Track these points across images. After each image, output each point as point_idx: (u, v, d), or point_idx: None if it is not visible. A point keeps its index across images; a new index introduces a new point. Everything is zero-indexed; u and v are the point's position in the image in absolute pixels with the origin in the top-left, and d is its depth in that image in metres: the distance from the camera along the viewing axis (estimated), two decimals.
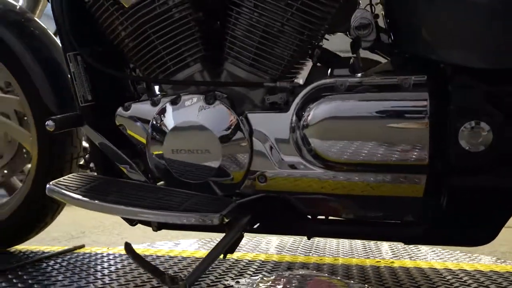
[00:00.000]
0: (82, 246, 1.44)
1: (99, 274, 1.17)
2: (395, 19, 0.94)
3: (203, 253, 1.40)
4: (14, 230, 1.32)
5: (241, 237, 0.99)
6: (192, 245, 1.52)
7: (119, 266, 1.25)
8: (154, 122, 0.97)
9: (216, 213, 0.83)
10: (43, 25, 1.30)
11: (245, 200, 0.94)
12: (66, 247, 1.41)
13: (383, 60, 1.06)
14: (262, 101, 1.00)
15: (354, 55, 0.97)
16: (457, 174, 0.84)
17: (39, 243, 1.51)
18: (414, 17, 0.89)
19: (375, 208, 0.91)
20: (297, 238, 1.59)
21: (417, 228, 0.90)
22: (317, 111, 0.88)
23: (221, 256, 0.94)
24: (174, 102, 0.96)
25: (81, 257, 1.34)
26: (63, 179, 0.92)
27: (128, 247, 0.87)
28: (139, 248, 1.44)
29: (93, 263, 1.28)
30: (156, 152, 0.97)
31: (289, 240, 1.58)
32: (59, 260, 1.30)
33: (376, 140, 0.86)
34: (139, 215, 0.85)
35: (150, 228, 1.03)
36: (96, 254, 1.37)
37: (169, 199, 0.86)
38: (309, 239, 1.01)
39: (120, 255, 1.35)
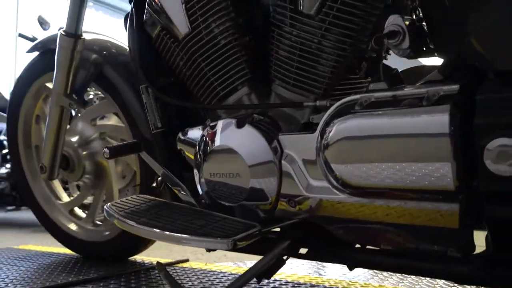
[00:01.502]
0: (186, 260, 1.55)
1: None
2: (434, 21, 0.81)
3: None
4: (125, 245, 1.50)
5: (282, 262, 0.96)
6: None
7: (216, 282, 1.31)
8: (198, 147, 1.02)
9: (228, 238, 0.82)
10: None
11: (278, 225, 0.91)
12: (170, 260, 1.55)
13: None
14: (304, 121, 0.96)
15: (395, 68, 0.87)
16: (491, 202, 0.67)
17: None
18: (455, 18, 0.76)
19: (413, 239, 0.79)
20: None
21: (463, 265, 0.75)
22: (334, 131, 0.81)
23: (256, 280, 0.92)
24: (212, 127, 1.00)
25: (183, 271, 1.45)
26: (121, 201, 1.03)
27: (160, 266, 0.92)
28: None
29: (195, 277, 1.37)
30: (199, 175, 1.01)
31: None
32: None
33: (395, 162, 0.74)
34: (156, 237, 0.90)
35: None
36: (197, 269, 1.47)
37: (194, 222, 0.89)
38: (350, 269, 0.92)
39: (221, 272, 1.42)
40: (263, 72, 1.03)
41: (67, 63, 1.32)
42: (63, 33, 1.30)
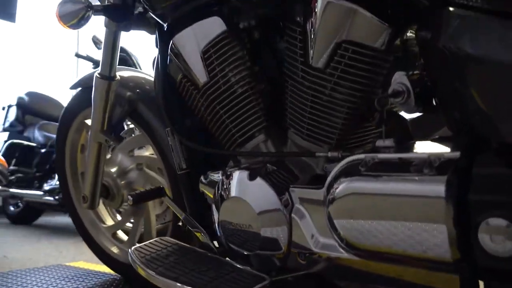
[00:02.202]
0: None
1: None
2: (438, 83, 0.79)
3: None
4: None
5: None
6: None
7: None
8: (216, 194, 1.05)
9: None
10: None
11: (288, 276, 0.92)
12: None
13: None
14: (318, 170, 0.97)
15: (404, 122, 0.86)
16: (486, 279, 0.65)
17: None
18: (459, 83, 0.74)
19: None
20: None
21: None
22: (339, 190, 0.81)
23: None
24: (228, 176, 1.02)
25: None
26: (144, 244, 1.08)
27: None
28: None
29: None
30: (217, 222, 1.04)
31: None
32: None
33: (395, 227, 0.74)
34: None
35: None
36: None
37: (207, 273, 0.92)
38: None
39: None
40: (279, 119, 1.05)
41: (102, 103, 1.39)
42: (98, 75, 1.38)
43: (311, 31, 0.91)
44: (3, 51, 5.05)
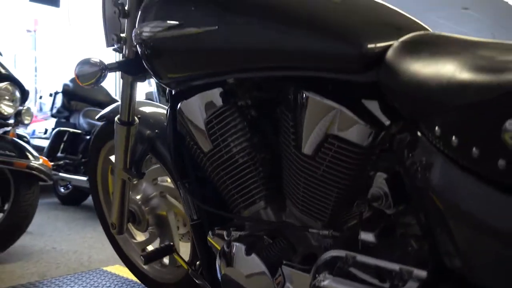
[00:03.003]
0: None
1: None
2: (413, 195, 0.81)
3: None
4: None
5: None
6: None
7: None
8: (220, 252, 1.12)
9: None
10: None
11: None
12: None
13: None
14: (314, 244, 1.02)
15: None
16: None
17: None
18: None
19: None
20: None
21: None
22: (320, 282, 0.87)
23: None
24: (228, 245, 1.09)
25: None
26: None
27: None
28: None
29: None
30: (220, 276, 1.12)
31: None
32: None
33: None
34: None
35: None
36: None
37: None
38: None
39: None
40: (279, 187, 1.10)
41: (123, 145, 1.48)
42: (118, 121, 1.46)
43: (301, 120, 0.94)
44: (52, 40, 5.28)
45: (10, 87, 2.84)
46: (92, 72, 1.25)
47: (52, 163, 4.11)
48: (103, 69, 1.26)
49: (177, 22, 1.01)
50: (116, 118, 1.47)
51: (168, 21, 1.02)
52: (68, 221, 3.67)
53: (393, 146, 0.84)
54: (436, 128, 0.66)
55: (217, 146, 1.13)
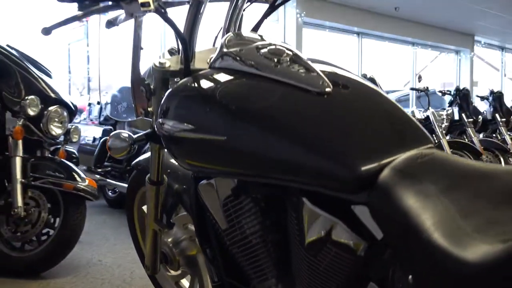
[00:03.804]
0: None
1: None
2: None
3: None
4: None
5: None
6: None
7: None
8: None
9: None
10: None
11: None
12: None
13: None
14: None
15: None
16: None
17: None
18: None
19: None
20: None
21: None
22: None
23: None
24: None
25: None
26: None
27: None
28: None
29: None
30: None
31: None
32: None
33: None
34: None
35: None
36: None
37: None
38: None
39: None
40: (289, 268, 1.17)
41: (153, 201, 1.60)
42: (148, 181, 1.58)
43: (303, 223, 1.01)
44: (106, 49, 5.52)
45: (59, 110, 3.05)
46: (122, 147, 1.36)
47: (100, 170, 4.35)
48: (132, 143, 1.37)
49: (191, 126, 1.09)
50: (147, 178, 1.58)
51: (184, 124, 1.11)
52: (114, 227, 3.89)
53: (384, 258, 0.90)
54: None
55: (233, 226, 1.21)
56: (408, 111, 6.89)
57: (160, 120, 1.20)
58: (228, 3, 1.40)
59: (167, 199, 1.67)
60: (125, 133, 1.39)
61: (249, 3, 1.47)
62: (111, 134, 1.42)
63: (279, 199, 1.11)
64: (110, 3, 1.03)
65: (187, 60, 1.26)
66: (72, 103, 3.23)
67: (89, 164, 4.48)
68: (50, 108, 2.99)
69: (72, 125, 3.24)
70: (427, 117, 6.07)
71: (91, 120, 4.99)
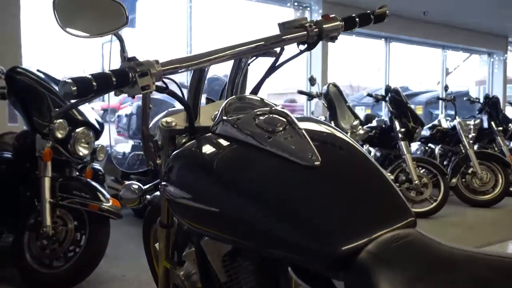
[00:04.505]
0: None
1: None
2: None
3: None
4: None
5: None
6: None
7: None
8: None
9: None
10: None
11: None
12: None
13: None
14: None
15: None
16: None
17: None
18: None
19: None
20: None
21: None
22: None
23: None
24: None
25: None
26: None
27: None
28: None
29: None
30: None
31: None
32: None
33: None
34: None
35: None
36: None
37: None
38: None
39: None
40: None
41: (164, 241, 1.70)
42: (159, 223, 1.67)
43: None
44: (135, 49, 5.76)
45: (85, 131, 3.19)
46: (133, 198, 1.47)
47: (126, 182, 4.50)
48: (142, 195, 1.47)
49: (188, 195, 1.18)
50: (158, 220, 1.68)
51: (183, 191, 1.19)
52: (139, 240, 4.03)
53: None
54: None
55: (231, 281, 1.30)
56: (439, 116, 6.80)
57: (163, 182, 1.29)
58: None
59: (177, 238, 1.76)
60: (135, 184, 1.49)
61: (254, 58, 1.54)
62: (124, 184, 1.53)
63: (272, 262, 1.19)
64: (113, 92, 1.12)
65: (191, 122, 1.35)
66: (98, 122, 3.38)
67: (116, 175, 4.65)
68: (77, 130, 3.13)
69: (98, 145, 3.39)
70: (454, 126, 6.00)
71: (119, 132, 5.15)
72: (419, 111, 10.82)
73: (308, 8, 7.69)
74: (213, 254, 1.32)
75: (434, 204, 5.07)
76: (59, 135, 3.03)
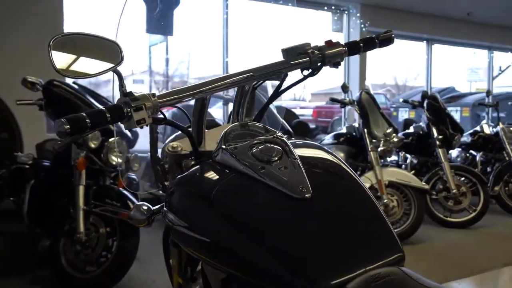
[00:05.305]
0: None
1: None
2: None
3: None
4: None
5: None
6: None
7: None
8: None
9: None
10: None
11: None
12: None
13: None
14: None
15: None
16: None
17: None
18: None
19: None
20: None
21: None
22: None
23: None
24: None
25: None
26: None
27: None
28: None
29: None
30: None
31: None
32: None
33: None
34: None
35: None
36: None
37: None
38: None
39: None
40: None
41: (176, 259, 1.76)
42: (171, 243, 1.73)
43: None
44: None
45: (118, 140, 3.31)
46: (142, 219, 1.53)
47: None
48: (150, 216, 1.53)
49: (185, 224, 1.22)
50: (169, 240, 1.74)
51: (180, 220, 1.24)
52: None
53: None
54: None
55: None
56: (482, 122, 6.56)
57: (165, 208, 1.34)
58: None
59: (189, 257, 1.82)
60: (145, 205, 1.55)
61: (261, 81, 1.57)
62: (134, 205, 1.60)
63: None
64: (111, 125, 1.18)
65: (195, 148, 1.40)
66: (131, 131, 3.50)
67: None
68: (110, 140, 3.26)
69: (131, 154, 3.51)
70: (497, 132, 5.79)
71: None
72: (466, 113, 10.46)
73: (346, 12, 7.60)
74: (213, 277, 1.36)
75: (473, 214, 4.90)
76: (92, 145, 3.16)
